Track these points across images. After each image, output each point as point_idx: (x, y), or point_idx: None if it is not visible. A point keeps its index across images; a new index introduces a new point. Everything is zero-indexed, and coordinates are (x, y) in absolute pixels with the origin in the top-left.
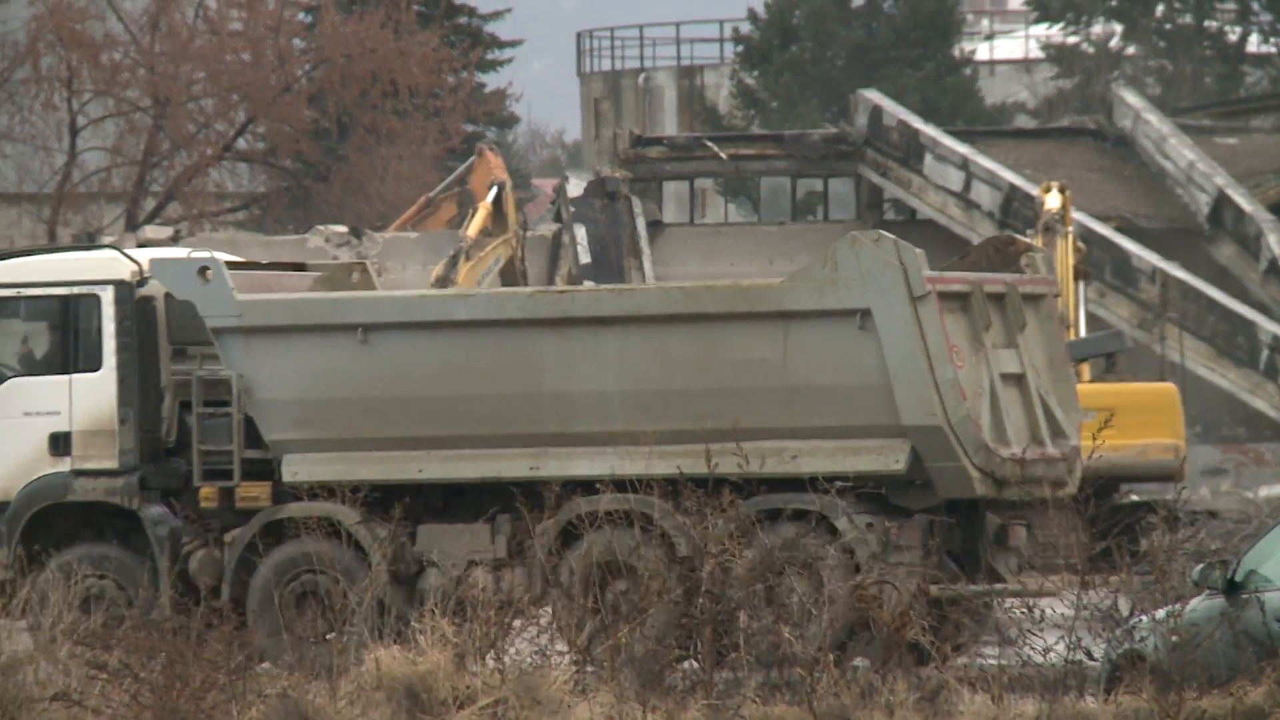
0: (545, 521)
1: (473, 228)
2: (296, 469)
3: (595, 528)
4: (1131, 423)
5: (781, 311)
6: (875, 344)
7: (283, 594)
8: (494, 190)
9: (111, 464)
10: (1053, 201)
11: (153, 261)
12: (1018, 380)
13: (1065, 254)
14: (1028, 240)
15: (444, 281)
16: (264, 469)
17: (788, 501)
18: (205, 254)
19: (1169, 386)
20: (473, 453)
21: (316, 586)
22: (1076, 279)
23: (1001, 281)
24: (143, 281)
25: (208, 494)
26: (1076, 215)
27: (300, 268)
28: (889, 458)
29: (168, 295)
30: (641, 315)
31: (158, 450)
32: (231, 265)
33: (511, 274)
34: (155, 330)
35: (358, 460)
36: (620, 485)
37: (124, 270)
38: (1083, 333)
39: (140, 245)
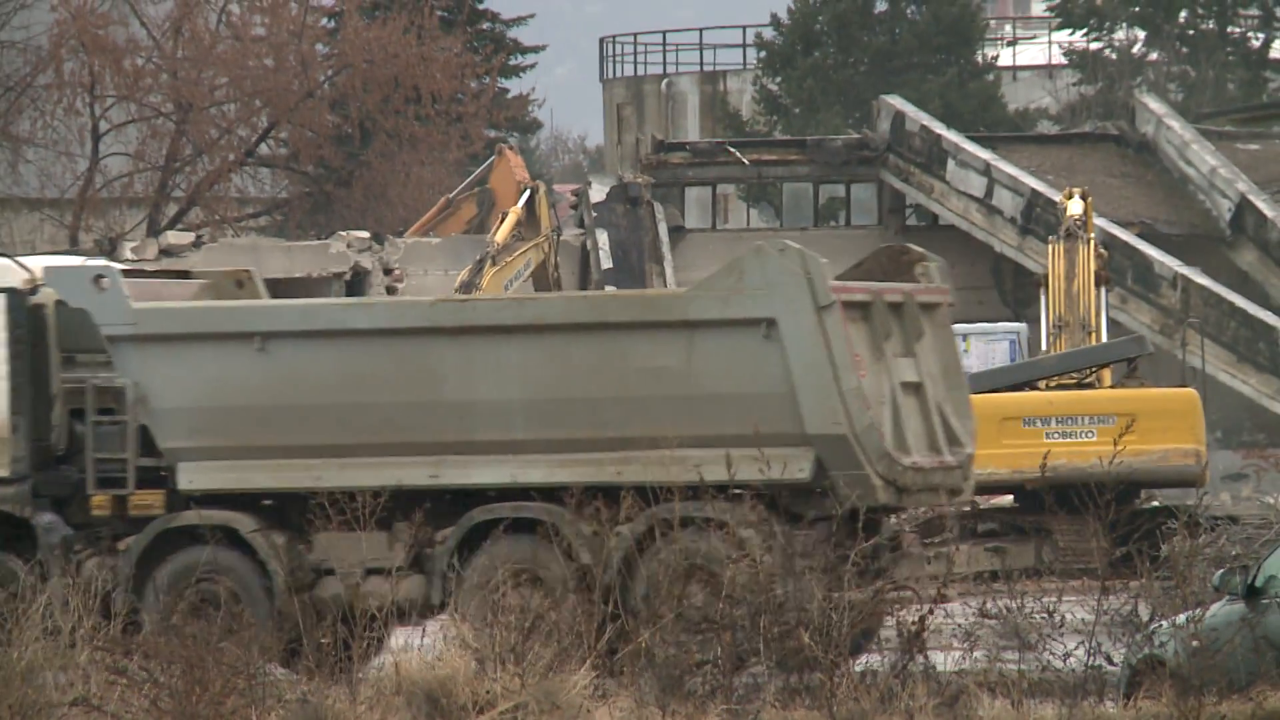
0: (446, 530)
1: (501, 232)
2: (192, 477)
3: (498, 535)
4: (1152, 428)
5: (686, 320)
6: (780, 353)
7: (179, 601)
8: (526, 193)
9: (4, 471)
10: (1075, 208)
11: (48, 269)
12: (916, 389)
13: (1087, 259)
14: (920, 250)
15: (468, 287)
16: (157, 477)
17: (691, 510)
18: (100, 262)
19: (1190, 392)
20: (372, 461)
21: (214, 594)
22: (1098, 285)
23: (900, 291)
24: (35, 289)
25: (100, 502)
26: (1098, 221)
27: (185, 275)
28: (794, 466)
29: (58, 303)
30: (544, 324)
31: (48, 458)
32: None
33: (544, 278)
34: (46, 338)
35: (255, 468)
36: (527, 494)
37: (16, 278)
38: (1104, 338)
39: (163, 251)
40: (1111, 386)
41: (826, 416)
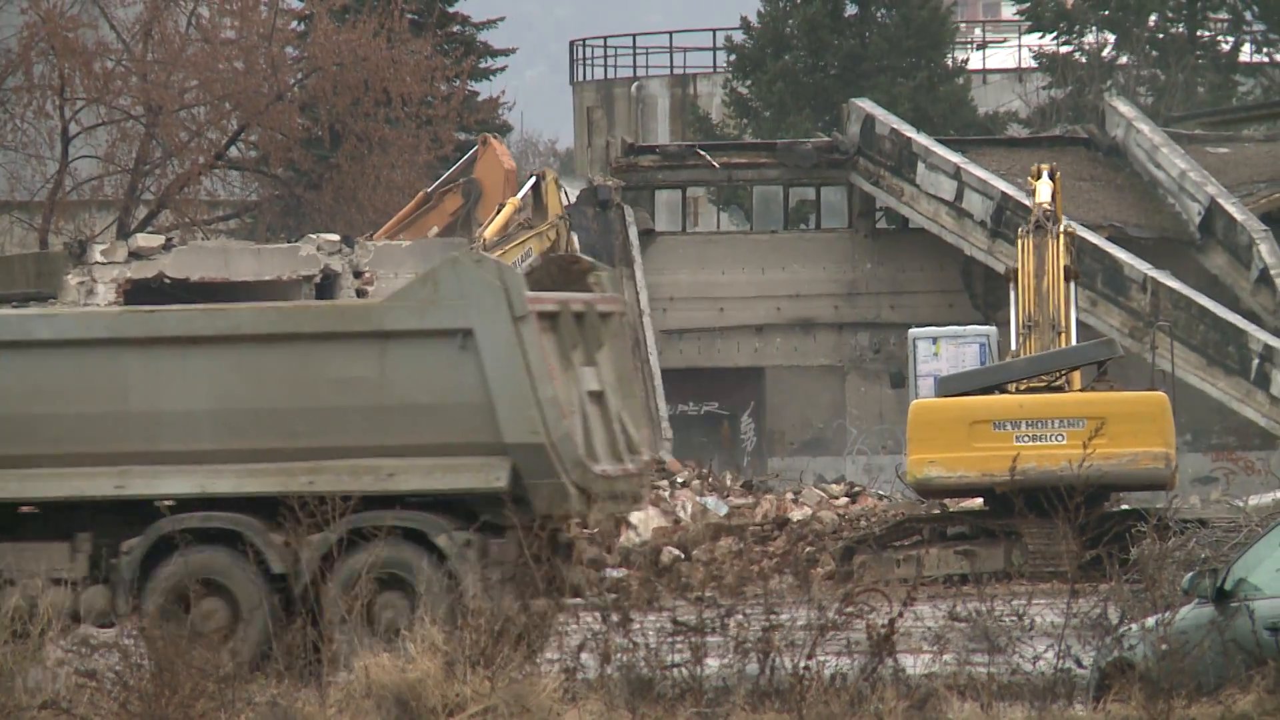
0: (132, 540)
1: (494, 226)
2: None
3: (188, 546)
4: (1122, 431)
5: (380, 331)
6: (477, 363)
7: None
8: (531, 181)
9: None
10: (1044, 192)
11: None
12: (599, 398)
13: (1057, 254)
14: (591, 259)
15: None
16: None
17: (387, 519)
18: None
19: (1159, 395)
20: (55, 471)
21: None
22: (1067, 280)
23: (582, 301)
24: None
25: None
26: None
27: None
28: (490, 475)
29: None
30: (234, 335)
31: None
32: None
33: None
34: None
35: None
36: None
37: None
38: (1074, 336)
39: (132, 253)
40: (1081, 389)
41: (524, 426)
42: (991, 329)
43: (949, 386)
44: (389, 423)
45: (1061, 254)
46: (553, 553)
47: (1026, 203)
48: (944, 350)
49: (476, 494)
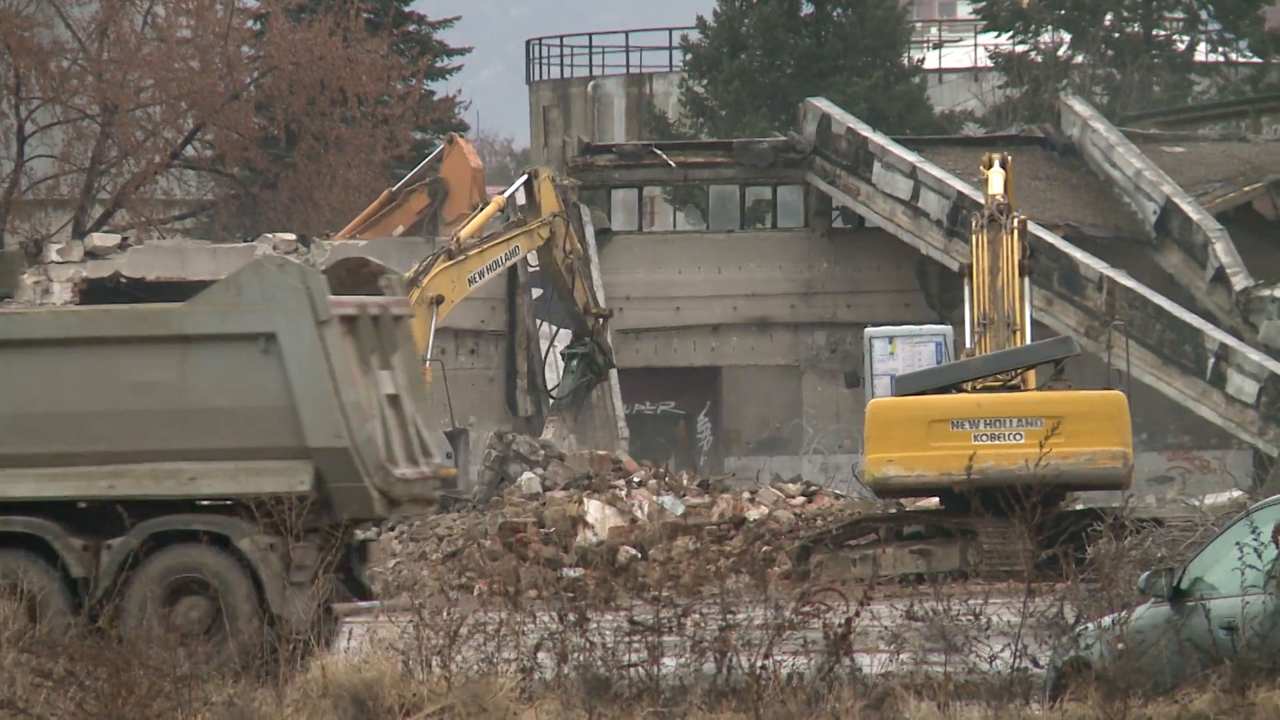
0: None
1: (469, 228)
2: None
3: None
4: (1080, 431)
5: (181, 335)
6: (280, 367)
7: None
8: (523, 178)
9: None
10: (996, 182)
11: None
12: (395, 401)
13: (1012, 250)
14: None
15: (411, 283)
16: None
17: (188, 523)
18: None
19: (1117, 394)
20: None
21: None
22: (1022, 275)
23: (378, 305)
24: None
25: None
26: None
27: None
28: (293, 479)
29: None
30: (31, 339)
31: None
32: None
33: (552, 263)
34: None
35: None
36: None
37: None
38: (1028, 333)
39: (88, 253)
40: (1038, 388)
41: (328, 429)
42: (947, 328)
43: (906, 386)
44: (191, 427)
45: (1016, 249)
46: (348, 555)
47: (981, 199)
48: (900, 350)
49: (279, 498)
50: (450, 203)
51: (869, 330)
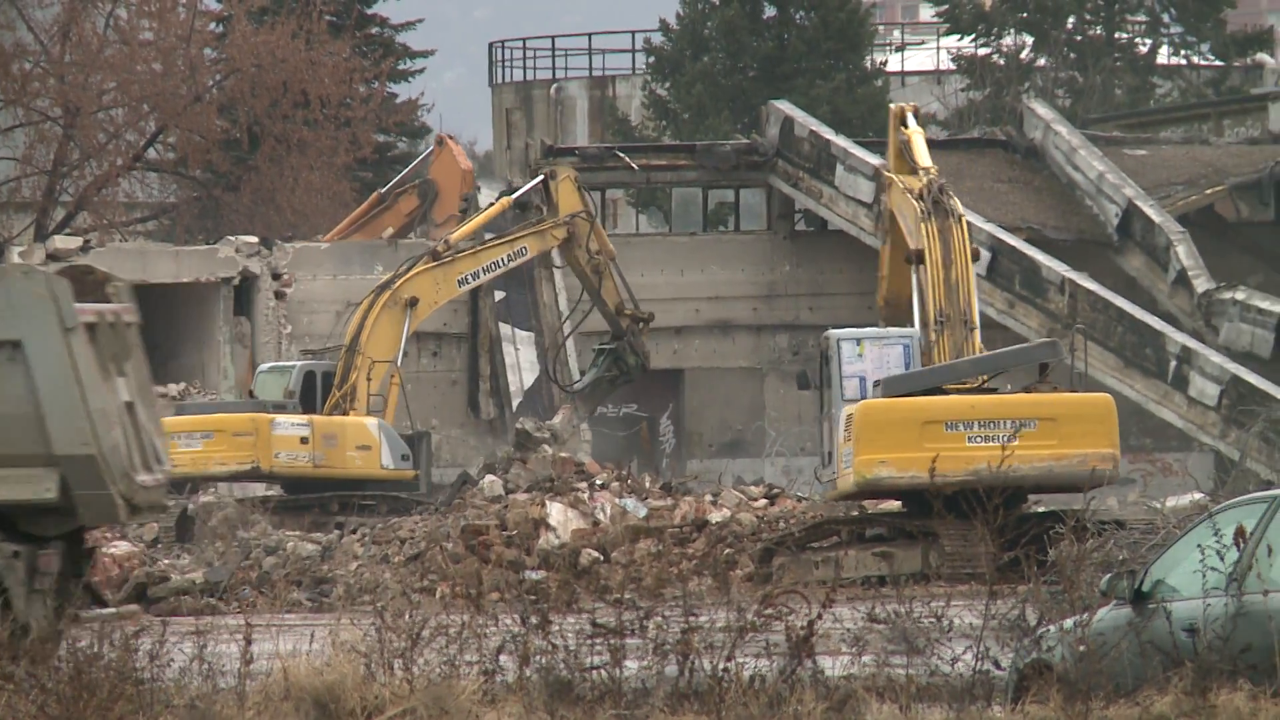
0: None
1: (465, 229)
2: None
3: None
4: (1072, 432)
5: None
6: (25, 374)
7: None
8: (538, 178)
9: None
10: (921, 149)
11: None
12: (131, 408)
13: (962, 243)
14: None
15: (383, 286)
16: None
17: None
18: None
19: (1106, 397)
20: None
21: None
22: (973, 263)
23: (112, 312)
24: None
25: None
26: (986, 226)
27: None
28: (39, 486)
29: None
30: None
31: None
32: None
33: (576, 261)
34: None
35: None
36: None
37: None
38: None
39: (50, 255)
40: (1025, 390)
41: (75, 437)
42: (915, 331)
43: (895, 387)
44: None
45: (967, 243)
46: (81, 561)
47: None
48: (868, 351)
49: (23, 505)
50: (440, 204)
51: (834, 332)
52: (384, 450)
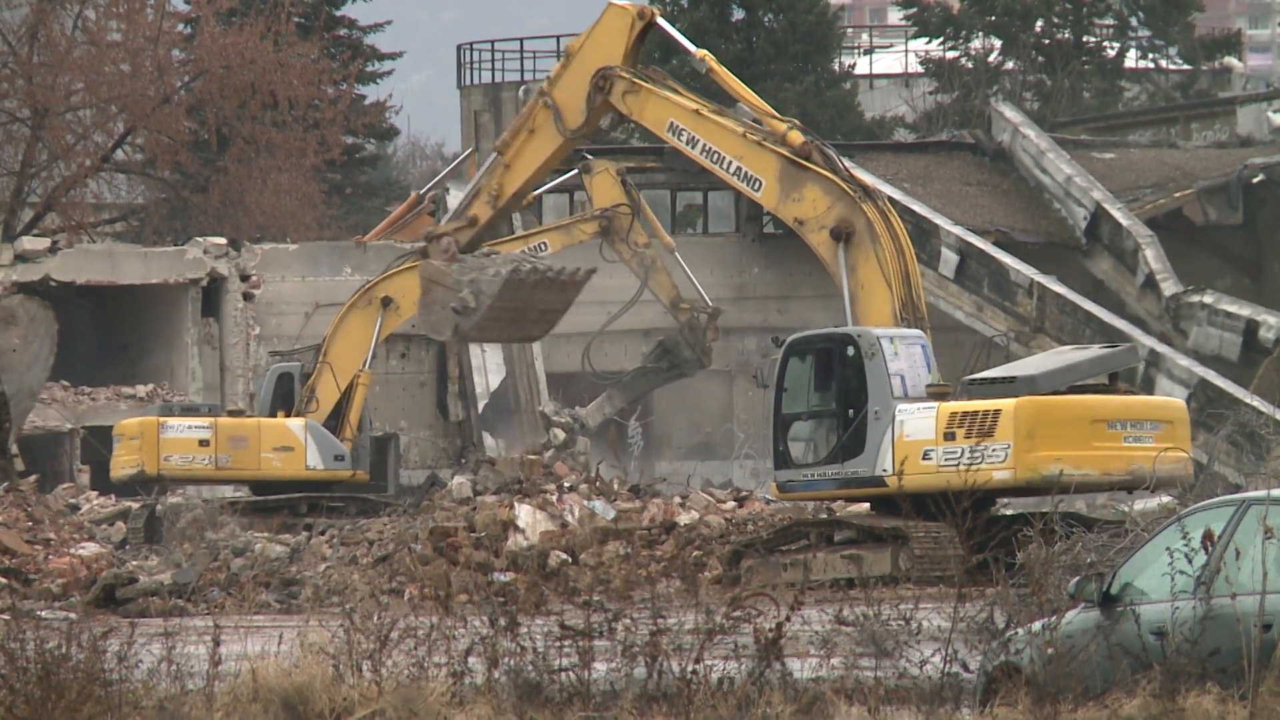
0: None
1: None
2: None
3: None
4: (1174, 435)
5: None
6: None
7: None
8: (570, 172)
9: None
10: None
11: None
12: None
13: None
14: None
15: (365, 283)
16: None
17: None
18: None
19: (1179, 401)
20: None
21: None
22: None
23: None
24: None
25: None
26: (954, 229)
27: None
28: None
29: None
30: None
31: None
32: None
33: (625, 251)
34: None
35: None
36: None
37: None
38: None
39: (18, 256)
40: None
41: None
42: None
43: (1043, 384)
44: None
45: (902, 230)
46: None
47: (914, 206)
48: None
49: None
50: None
51: (874, 330)
52: (310, 451)
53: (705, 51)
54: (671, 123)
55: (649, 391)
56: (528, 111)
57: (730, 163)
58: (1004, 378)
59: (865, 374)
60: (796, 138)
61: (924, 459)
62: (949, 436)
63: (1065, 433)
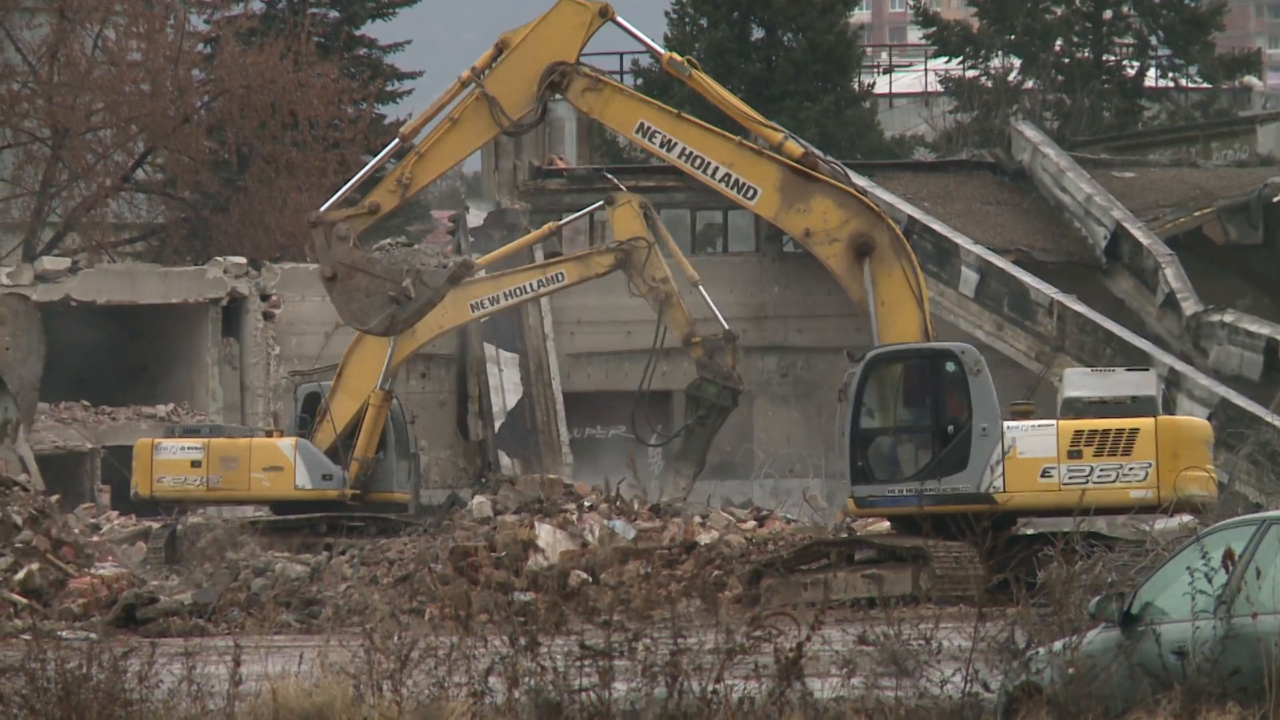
0: None
1: (491, 254)
2: None
3: None
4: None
5: None
6: None
7: None
8: (596, 204)
9: None
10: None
11: None
12: None
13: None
14: None
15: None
16: None
17: None
18: None
19: (1204, 422)
20: None
21: None
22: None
23: None
24: None
25: None
26: (974, 248)
27: None
28: None
29: None
30: None
31: None
32: None
33: (641, 285)
34: None
35: None
36: None
37: None
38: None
39: (39, 276)
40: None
41: None
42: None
43: (1154, 406)
44: None
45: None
46: None
47: (934, 226)
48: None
49: None
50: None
51: (971, 348)
52: (299, 470)
53: (674, 53)
54: (642, 124)
55: (709, 442)
56: (449, 101)
57: (717, 169)
58: (1118, 398)
59: (970, 390)
60: (794, 148)
61: (1043, 476)
62: (1073, 455)
63: (1195, 453)
